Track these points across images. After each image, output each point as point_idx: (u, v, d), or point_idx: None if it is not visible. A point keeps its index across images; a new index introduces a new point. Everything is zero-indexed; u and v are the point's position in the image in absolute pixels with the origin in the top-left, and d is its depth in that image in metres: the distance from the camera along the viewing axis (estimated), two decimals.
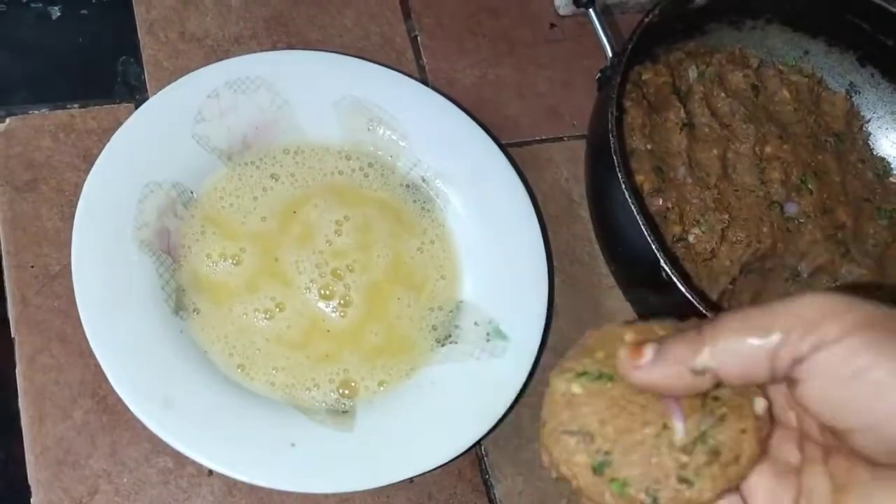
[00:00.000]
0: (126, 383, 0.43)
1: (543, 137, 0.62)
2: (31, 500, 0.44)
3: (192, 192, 0.49)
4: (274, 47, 0.57)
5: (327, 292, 0.49)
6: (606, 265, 0.57)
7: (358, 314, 0.50)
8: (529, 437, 0.52)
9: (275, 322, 0.48)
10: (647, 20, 0.54)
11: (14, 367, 0.46)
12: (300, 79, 0.53)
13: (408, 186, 0.55)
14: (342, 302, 0.49)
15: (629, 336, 0.30)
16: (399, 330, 0.50)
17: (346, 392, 0.47)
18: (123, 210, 0.47)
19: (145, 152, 0.48)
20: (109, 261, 0.45)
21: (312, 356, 0.48)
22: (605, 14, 0.57)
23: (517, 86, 0.63)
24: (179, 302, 0.47)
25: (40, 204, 0.49)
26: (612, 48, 0.55)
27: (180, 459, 0.46)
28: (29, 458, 0.44)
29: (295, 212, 0.51)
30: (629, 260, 0.51)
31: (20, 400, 0.45)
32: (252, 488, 0.46)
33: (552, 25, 0.66)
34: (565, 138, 0.62)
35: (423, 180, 0.55)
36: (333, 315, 0.49)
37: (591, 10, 0.56)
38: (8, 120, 0.51)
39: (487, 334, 0.50)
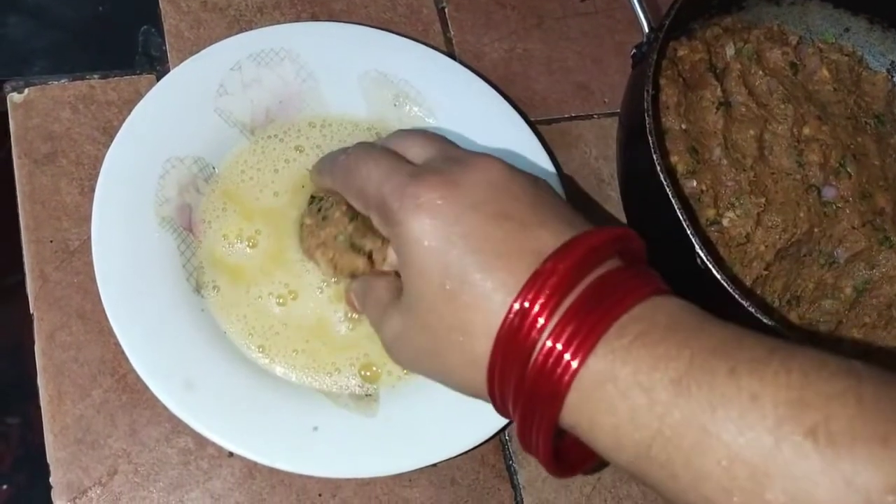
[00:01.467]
0: (147, 363, 0.42)
1: (573, 115, 0.60)
2: (50, 478, 0.43)
3: (213, 168, 0.48)
4: (298, 17, 0.56)
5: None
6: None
7: (369, 328, 0.47)
8: None
9: (288, 309, 0.47)
10: None
11: (32, 340, 0.45)
12: (325, 51, 0.51)
13: None
14: (356, 317, 0.48)
15: None
16: None
17: (368, 375, 0.46)
18: (144, 186, 0.45)
19: (167, 126, 0.47)
20: (130, 238, 0.44)
21: (329, 343, 0.47)
22: None
23: (546, 60, 0.61)
24: (200, 280, 0.46)
25: (59, 177, 0.48)
26: (648, 23, 0.53)
27: (200, 440, 0.45)
28: (48, 436, 0.44)
29: (303, 186, 0.50)
30: (661, 244, 0.50)
31: (39, 378, 0.45)
32: (272, 470, 0.45)
33: None
34: (595, 116, 0.60)
35: None
36: (340, 324, 0.47)
37: None
38: (27, 90, 0.49)
39: None
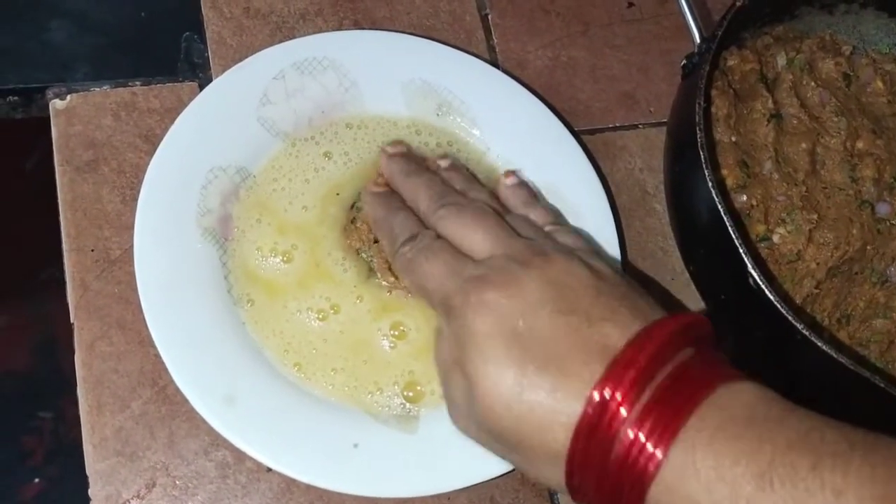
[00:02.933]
0: (188, 378, 0.42)
1: (617, 125, 0.59)
2: (89, 491, 0.43)
3: (254, 177, 0.48)
4: (340, 24, 0.55)
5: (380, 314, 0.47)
6: (683, 263, 0.54)
7: (413, 345, 0.47)
8: None
9: (329, 324, 0.46)
10: (738, 3, 0.50)
11: (67, 335, 0.45)
12: (368, 60, 0.51)
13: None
14: (396, 333, 0.47)
15: None
16: None
17: (411, 395, 0.45)
18: (187, 196, 0.45)
19: (209, 136, 0.46)
20: (172, 249, 0.44)
21: (371, 361, 0.46)
22: None
23: (591, 69, 0.60)
24: (238, 292, 0.45)
25: (101, 185, 0.48)
26: (700, 33, 0.51)
27: (239, 454, 0.44)
28: (86, 447, 0.44)
29: (338, 194, 0.49)
30: (711, 262, 0.49)
31: (78, 388, 0.45)
32: (310, 487, 0.44)
33: (630, 4, 0.62)
34: (641, 126, 0.59)
35: (493, 168, 0.52)
36: (384, 340, 0.46)
37: None
38: (69, 97, 0.49)
39: None
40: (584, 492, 0.34)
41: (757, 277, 0.43)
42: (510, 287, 0.36)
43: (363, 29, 0.55)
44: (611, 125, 0.59)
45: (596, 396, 0.32)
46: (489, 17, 0.59)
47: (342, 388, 0.45)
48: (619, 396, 0.32)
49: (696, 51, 0.51)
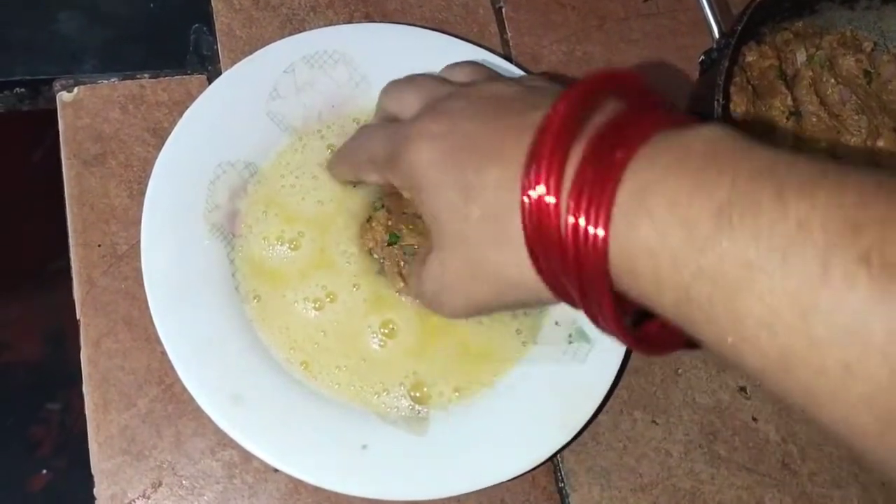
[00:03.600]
0: (194, 376, 0.41)
1: None
2: (94, 490, 0.43)
3: (263, 171, 0.47)
4: (351, 17, 0.54)
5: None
6: None
7: (403, 345, 0.46)
8: (608, 444, 0.49)
9: (324, 314, 0.45)
10: None
11: (74, 326, 0.45)
12: (380, 54, 0.50)
13: None
14: (386, 331, 0.45)
15: None
16: (478, 338, 0.46)
17: (418, 396, 0.44)
18: (195, 191, 0.44)
19: (218, 130, 0.45)
20: (180, 245, 0.43)
21: (369, 360, 0.45)
22: None
23: (606, 63, 0.59)
24: (244, 289, 0.45)
25: (108, 179, 0.47)
26: (718, 28, 0.50)
27: (246, 454, 0.44)
28: (92, 446, 0.43)
29: (354, 185, 0.48)
30: None
31: (84, 385, 0.44)
32: (318, 488, 0.44)
33: None
34: None
35: None
36: (373, 338, 0.45)
37: None
38: (76, 89, 0.48)
39: (570, 335, 0.47)
40: (563, 289, 0.32)
41: None
42: (440, 115, 0.36)
43: (374, 22, 0.54)
44: None
45: (527, 195, 0.30)
46: (503, 10, 0.58)
47: (348, 387, 0.44)
48: (543, 185, 0.30)
49: (714, 46, 0.50)
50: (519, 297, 0.35)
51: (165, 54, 0.50)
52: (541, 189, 0.30)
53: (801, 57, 0.55)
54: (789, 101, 0.52)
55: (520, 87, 0.37)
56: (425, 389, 0.45)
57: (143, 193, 0.47)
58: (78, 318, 0.45)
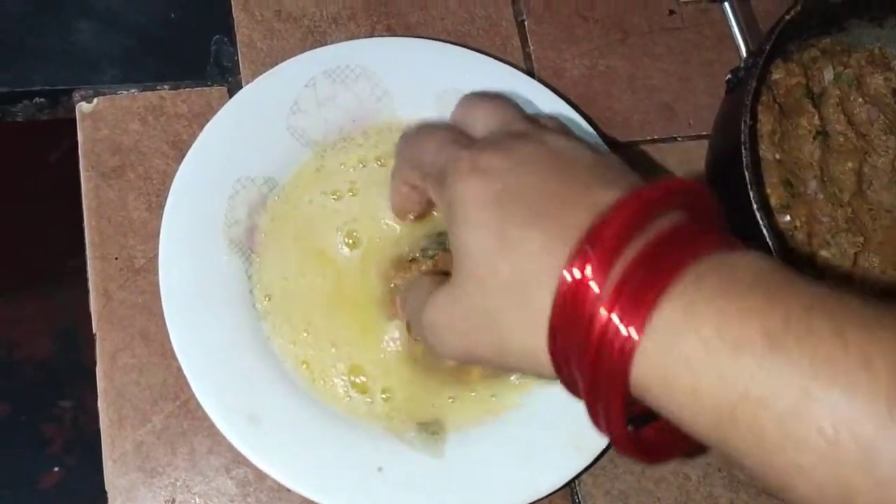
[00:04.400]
0: (211, 396, 0.41)
1: (655, 137, 0.57)
2: None
3: (282, 188, 0.46)
4: (373, 30, 0.54)
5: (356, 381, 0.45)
6: None
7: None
8: (626, 466, 0.48)
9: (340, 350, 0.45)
10: (787, 17, 0.48)
11: (88, 324, 0.45)
12: (402, 69, 0.49)
13: None
14: (356, 381, 0.45)
15: None
16: None
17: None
18: (214, 206, 0.44)
19: (238, 145, 0.45)
20: (198, 261, 0.43)
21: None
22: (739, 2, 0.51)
23: (629, 78, 0.58)
24: (266, 307, 0.44)
25: (126, 192, 0.47)
26: (746, 46, 0.49)
27: (260, 472, 0.43)
28: (106, 462, 0.43)
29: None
30: None
31: (99, 401, 0.44)
32: None
33: (671, 12, 0.60)
34: (679, 138, 0.57)
35: None
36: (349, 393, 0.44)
37: (725, 1, 0.50)
38: (95, 100, 0.48)
39: None
40: (569, 373, 0.31)
41: None
42: (502, 151, 0.34)
43: (396, 35, 0.54)
44: (648, 137, 0.57)
45: (568, 274, 0.29)
46: (525, 23, 0.57)
47: (360, 404, 0.43)
48: (589, 270, 0.29)
49: (742, 65, 0.49)
50: (520, 364, 0.33)
51: (186, 65, 0.50)
52: (587, 272, 0.29)
53: (828, 75, 0.54)
54: (816, 121, 0.51)
55: (595, 156, 0.35)
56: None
57: (161, 207, 0.46)
58: (94, 331, 0.44)
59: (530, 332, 0.31)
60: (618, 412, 0.29)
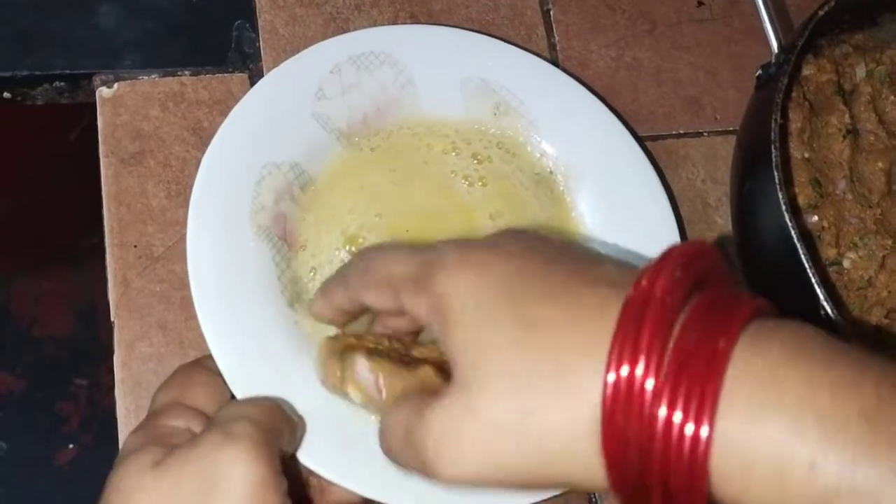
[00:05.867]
0: (241, 383, 0.40)
1: (681, 131, 0.56)
2: None
3: (309, 176, 0.46)
4: (396, 16, 0.53)
5: None
6: (748, 287, 0.51)
7: None
8: None
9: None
10: (821, 12, 0.47)
11: (105, 303, 0.45)
12: (426, 56, 0.48)
13: (533, 180, 0.50)
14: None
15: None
16: None
17: None
18: (241, 192, 0.43)
19: (264, 130, 0.44)
20: (226, 248, 0.42)
21: None
22: None
23: (656, 71, 0.57)
24: (294, 293, 0.44)
25: (146, 179, 0.46)
26: (777, 41, 0.48)
27: None
28: None
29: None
30: (777, 286, 0.46)
31: (116, 389, 0.43)
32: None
33: (700, 3, 0.59)
34: (705, 133, 0.56)
35: (551, 173, 0.50)
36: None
37: None
38: (116, 85, 0.48)
39: None
40: (623, 475, 0.27)
41: (829, 310, 0.41)
42: (489, 245, 0.31)
43: (419, 22, 0.53)
44: (674, 132, 0.56)
45: (612, 375, 0.26)
46: (551, 12, 0.56)
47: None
48: (640, 367, 0.26)
49: (772, 60, 0.48)
50: (559, 474, 0.28)
51: (207, 51, 0.49)
52: (637, 371, 0.26)
53: (860, 72, 0.53)
54: (847, 119, 0.50)
55: (574, 243, 0.33)
56: None
57: (181, 194, 0.46)
58: (112, 319, 0.44)
59: (583, 430, 0.27)
60: None
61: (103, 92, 0.47)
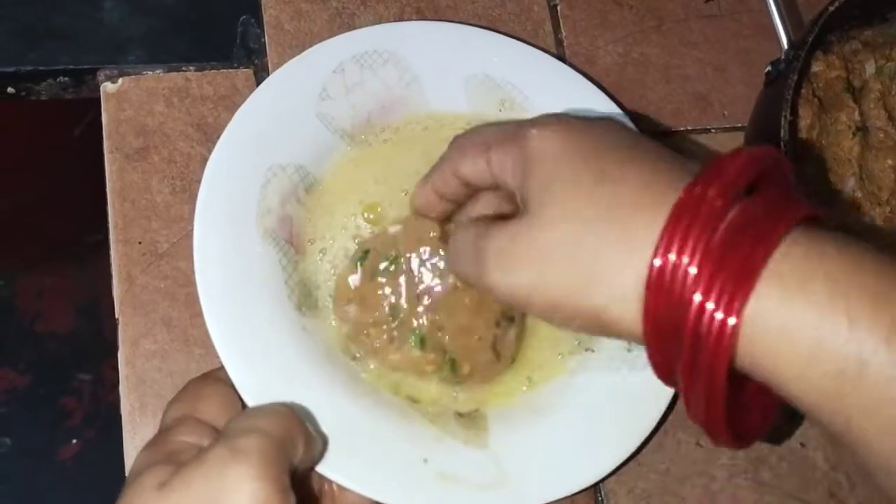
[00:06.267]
0: (251, 389, 0.39)
1: (688, 128, 0.56)
2: None
3: (313, 176, 0.45)
4: (402, 12, 0.52)
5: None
6: None
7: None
8: (651, 465, 0.48)
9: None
10: (831, 8, 0.47)
11: (110, 299, 0.45)
12: (430, 54, 0.48)
13: None
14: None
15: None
16: (528, 349, 0.45)
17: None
18: (247, 195, 0.43)
19: (269, 132, 0.44)
20: (233, 252, 0.42)
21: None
22: None
23: (664, 67, 0.56)
24: (301, 297, 0.43)
25: (150, 175, 0.46)
26: (787, 37, 0.48)
27: None
28: (127, 449, 0.43)
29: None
30: None
31: (121, 386, 0.43)
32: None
33: None
34: (713, 130, 0.56)
35: None
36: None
37: None
38: (120, 80, 0.47)
39: (629, 343, 0.45)
40: (658, 330, 0.30)
41: None
42: (580, 120, 0.35)
43: (425, 18, 0.53)
44: (681, 128, 0.55)
45: (658, 260, 0.29)
46: (558, 8, 0.56)
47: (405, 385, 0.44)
48: (686, 256, 0.28)
49: (781, 56, 0.48)
50: (597, 305, 0.31)
51: (211, 46, 0.49)
52: (683, 246, 0.29)
53: (869, 68, 0.53)
54: (856, 116, 0.50)
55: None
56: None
57: (185, 190, 0.46)
58: (116, 316, 0.44)
59: (631, 276, 0.30)
60: (720, 390, 0.29)
61: (107, 87, 0.47)
